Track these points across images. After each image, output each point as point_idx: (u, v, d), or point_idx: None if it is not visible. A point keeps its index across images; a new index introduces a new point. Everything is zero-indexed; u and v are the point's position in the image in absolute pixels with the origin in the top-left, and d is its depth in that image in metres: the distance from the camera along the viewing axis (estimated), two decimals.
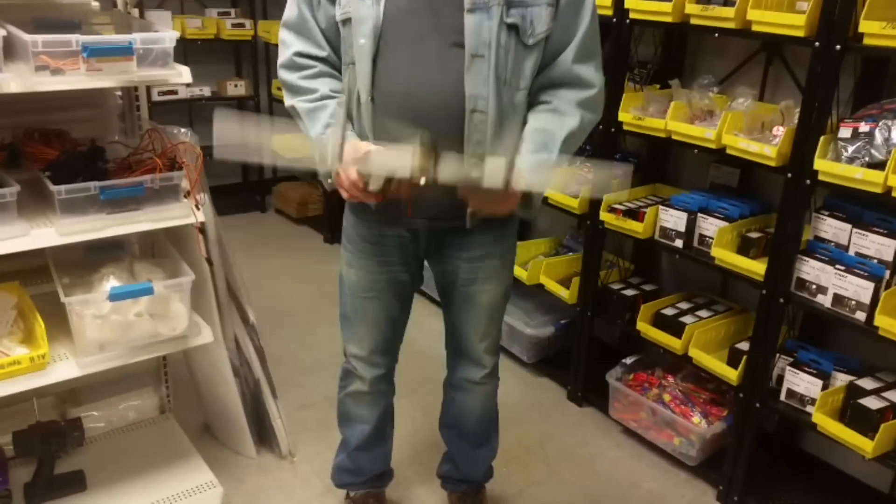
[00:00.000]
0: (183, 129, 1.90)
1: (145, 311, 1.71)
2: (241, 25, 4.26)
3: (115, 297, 1.66)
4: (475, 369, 1.85)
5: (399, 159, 1.29)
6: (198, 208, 1.78)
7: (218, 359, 2.13)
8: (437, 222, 1.61)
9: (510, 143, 1.40)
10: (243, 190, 4.83)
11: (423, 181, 1.29)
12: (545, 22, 1.44)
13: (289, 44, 1.55)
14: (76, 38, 1.51)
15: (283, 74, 1.57)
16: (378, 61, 1.45)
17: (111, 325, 1.67)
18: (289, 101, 1.58)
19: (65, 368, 1.69)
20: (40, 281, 1.90)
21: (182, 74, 1.68)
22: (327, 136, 1.47)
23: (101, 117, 2.09)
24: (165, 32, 1.64)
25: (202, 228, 1.83)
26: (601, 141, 2.48)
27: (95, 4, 1.97)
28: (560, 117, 1.49)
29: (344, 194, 1.46)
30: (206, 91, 4.26)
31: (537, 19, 1.43)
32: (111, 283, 1.71)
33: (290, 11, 1.55)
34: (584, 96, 1.51)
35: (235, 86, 4.38)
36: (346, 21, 1.48)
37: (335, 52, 1.55)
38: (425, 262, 1.75)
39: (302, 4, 1.53)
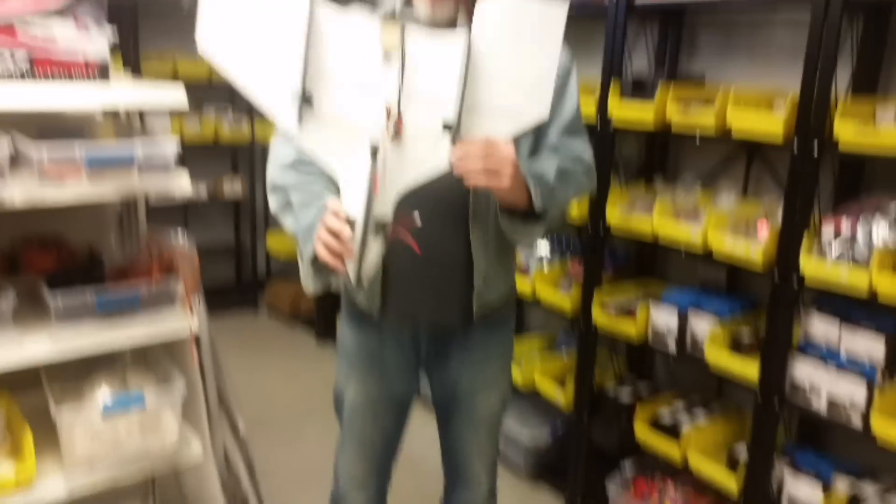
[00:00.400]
0: (180, 231, 1.91)
1: (136, 424, 1.68)
2: (240, 122, 4.36)
3: (108, 410, 1.63)
4: (473, 493, 1.80)
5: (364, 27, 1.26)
6: (192, 312, 1.78)
7: (206, 473, 2.06)
8: (440, 317, 1.60)
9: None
10: (236, 290, 4.82)
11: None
12: None
13: (283, 152, 1.53)
14: (79, 149, 1.54)
15: (276, 176, 1.53)
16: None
17: (102, 439, 1.64)
18: (279, 200, 1.54)
19: (52, 488, 1.63)
20: (29, 386, 1.86)
21: (182, 184, 1.71)
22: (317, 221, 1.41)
23: (99, 221, 2.11)
24: (166, 143, 1.68)
25: (196, 337, 1.82)
26: (590, 242, 2.52)
27: (98, 118, 2.03)
28: (549, 157, 1.51)
29: (329, 260, 1.31)
30: (203, 191, 4.33)
31: None
32: (104, 392, 1.69)
33: None
34: (575, 157, 1.53)
35: (231, 184, 4.46)
36: None
37: None
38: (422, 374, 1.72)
39: None
